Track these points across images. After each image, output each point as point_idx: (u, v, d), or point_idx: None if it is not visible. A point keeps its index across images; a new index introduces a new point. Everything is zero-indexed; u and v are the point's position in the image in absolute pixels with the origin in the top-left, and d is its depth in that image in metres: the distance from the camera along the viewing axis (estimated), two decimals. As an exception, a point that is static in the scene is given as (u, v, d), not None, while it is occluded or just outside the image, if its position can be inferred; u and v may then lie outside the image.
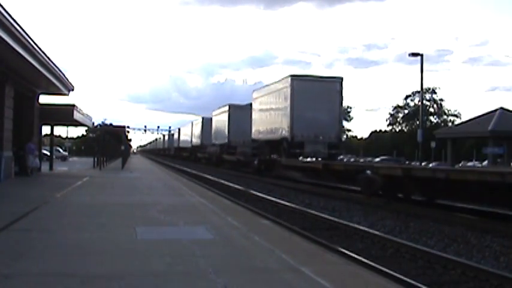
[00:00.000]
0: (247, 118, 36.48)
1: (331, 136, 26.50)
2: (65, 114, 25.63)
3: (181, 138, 75.62)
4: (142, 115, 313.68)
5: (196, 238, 7.60)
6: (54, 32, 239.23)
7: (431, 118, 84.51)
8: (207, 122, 54.23)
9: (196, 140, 60.61)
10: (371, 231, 11.24)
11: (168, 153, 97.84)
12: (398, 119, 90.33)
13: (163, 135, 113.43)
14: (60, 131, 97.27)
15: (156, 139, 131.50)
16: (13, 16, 13.09)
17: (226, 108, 43.48)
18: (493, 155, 38.27)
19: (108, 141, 43.10)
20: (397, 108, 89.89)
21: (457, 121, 73.21)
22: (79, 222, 9.02)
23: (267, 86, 32.82)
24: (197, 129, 59.69)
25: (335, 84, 27.16)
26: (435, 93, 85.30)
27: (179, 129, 79.74)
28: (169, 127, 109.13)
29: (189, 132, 66.23)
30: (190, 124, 65.91)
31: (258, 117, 33.23)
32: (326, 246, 8.97)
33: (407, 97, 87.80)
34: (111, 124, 43.53)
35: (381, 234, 10.81)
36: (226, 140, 42.72)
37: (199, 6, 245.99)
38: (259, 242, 7.39)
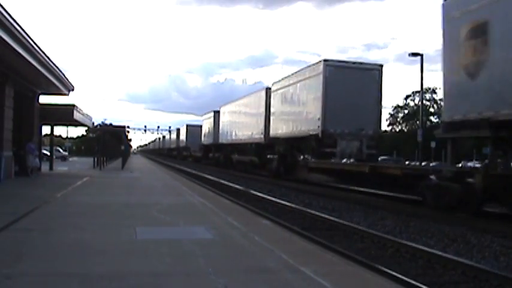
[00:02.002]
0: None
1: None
2: (65, 114, 25.65)
3: (224, 127, 45.29)
4: (142, 115, 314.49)
5: (196, 238, 7.60)
6: (54, 32, 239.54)
7: (432, 118, 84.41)
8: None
9: (302, 126, 26.16)
10: (371, 231, 11.24)
11: (186, 154, 70.61)
12: (398, 119, 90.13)
13: (178, 129, 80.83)
14: (60, 131, 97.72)
15: (164, 136, 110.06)
16: (13, 16, 13.11)
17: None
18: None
19: (108, 141, 43.10)
20: (397, 108, 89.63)
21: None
22: (79, 222, 9.02)
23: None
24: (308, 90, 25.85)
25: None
26: (435, 93, 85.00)
27: (216, 112, 49.49)
28: (169, 127, 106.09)
29: (253, 112, 35.90)
30: (258, 95, 34.90)
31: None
32: (326, 246, 8.97)
33: (407, 97, 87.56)
34: (111, 124, 43.57)
35: (381, 234, 10.82)
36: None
37: (198, 6, 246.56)
38: (259, 242, 7.40)
